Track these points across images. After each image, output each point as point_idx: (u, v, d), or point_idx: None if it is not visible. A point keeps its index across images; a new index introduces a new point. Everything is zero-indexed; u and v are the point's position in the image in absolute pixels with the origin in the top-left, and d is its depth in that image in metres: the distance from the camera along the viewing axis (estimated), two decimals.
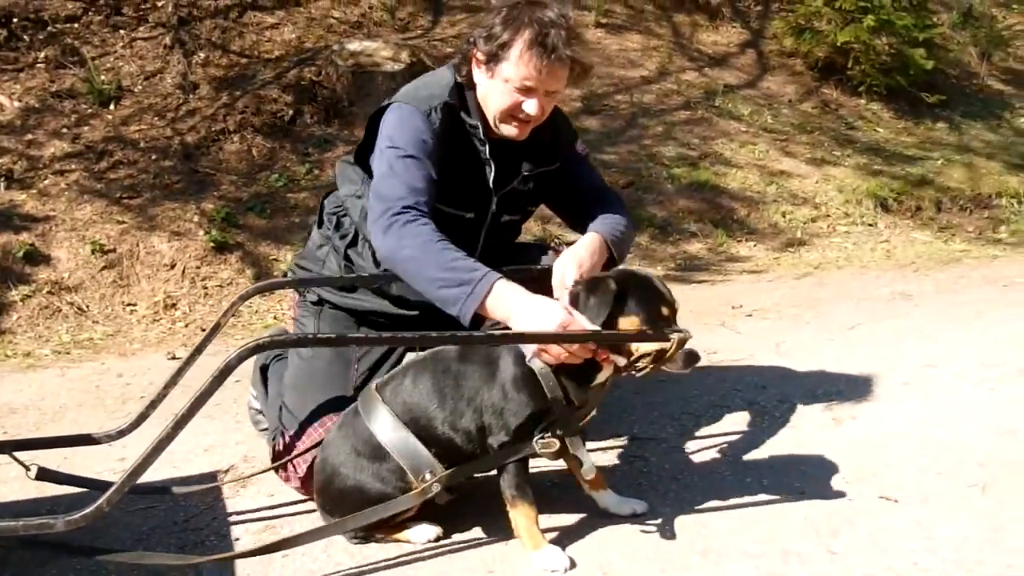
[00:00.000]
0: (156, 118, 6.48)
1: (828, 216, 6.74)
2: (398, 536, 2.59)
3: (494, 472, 2.52)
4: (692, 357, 2.40)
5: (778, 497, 2.78)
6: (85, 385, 4.09)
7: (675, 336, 2.35)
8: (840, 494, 2.79)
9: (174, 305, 5.24)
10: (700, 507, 2.74)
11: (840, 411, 3.43)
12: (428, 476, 2.47)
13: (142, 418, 2.79)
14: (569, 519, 2.68)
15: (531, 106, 2.71)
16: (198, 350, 2.85)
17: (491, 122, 2.79)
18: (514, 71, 2.67)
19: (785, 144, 7.50)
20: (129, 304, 5.23)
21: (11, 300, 5.07)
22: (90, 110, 6.45)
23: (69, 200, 5.69)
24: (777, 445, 3.17)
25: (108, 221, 5.59)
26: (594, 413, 2.57)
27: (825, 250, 6.26)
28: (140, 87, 6.72)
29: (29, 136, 6.12)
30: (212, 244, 5.56)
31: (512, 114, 2.74)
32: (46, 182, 5.81)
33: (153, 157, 6.14)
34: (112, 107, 6.50)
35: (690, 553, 2.49)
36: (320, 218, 3.10)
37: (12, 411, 3.80)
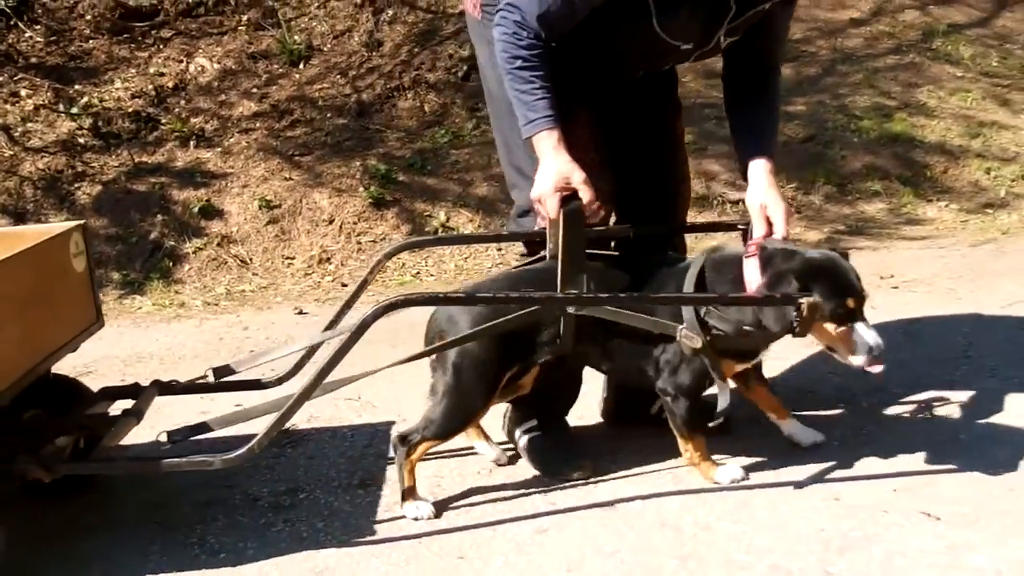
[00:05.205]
0: (339, 76, 6.73)
1: None
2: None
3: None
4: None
5: (807, 502, 2.52)
6: (210, 337, 4.37)
7: (804, 301, 2.36)
8: (878, 505, 2.47)
9: (328, 259, 5.48)
10: (715, 506, 2.53)
11: (943, 406, 3.04)
12: None
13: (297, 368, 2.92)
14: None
15: None
16: (347, 305, 2.91)
17: None
18: None
19: (1006, 91, 6.64)
20: (288, 257, 5.51)
21: (185, 252, 5.49)
22: (281, 70, 6.79)
23: (247, 158, 6.05)
24: (841, 441, 2.85)
25: (278, 178, 5.90)
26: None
27: None
28: (329, 46, 6.99)
29: (223, 97, 6.55)
30: (371, 200, 5.74)
31: None
32: (231, 140, 6.21)
33: (329, 115, 6.40)
34: (301, 66, 6.82)
35: (669, 557, 2.30)
36: None
37: (139, 359, 4.13)
